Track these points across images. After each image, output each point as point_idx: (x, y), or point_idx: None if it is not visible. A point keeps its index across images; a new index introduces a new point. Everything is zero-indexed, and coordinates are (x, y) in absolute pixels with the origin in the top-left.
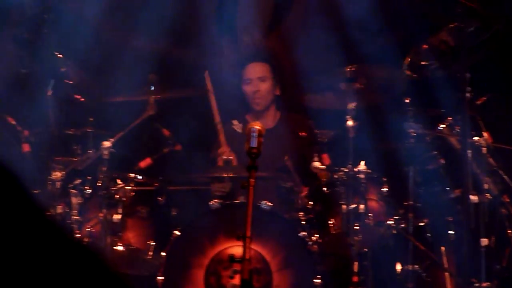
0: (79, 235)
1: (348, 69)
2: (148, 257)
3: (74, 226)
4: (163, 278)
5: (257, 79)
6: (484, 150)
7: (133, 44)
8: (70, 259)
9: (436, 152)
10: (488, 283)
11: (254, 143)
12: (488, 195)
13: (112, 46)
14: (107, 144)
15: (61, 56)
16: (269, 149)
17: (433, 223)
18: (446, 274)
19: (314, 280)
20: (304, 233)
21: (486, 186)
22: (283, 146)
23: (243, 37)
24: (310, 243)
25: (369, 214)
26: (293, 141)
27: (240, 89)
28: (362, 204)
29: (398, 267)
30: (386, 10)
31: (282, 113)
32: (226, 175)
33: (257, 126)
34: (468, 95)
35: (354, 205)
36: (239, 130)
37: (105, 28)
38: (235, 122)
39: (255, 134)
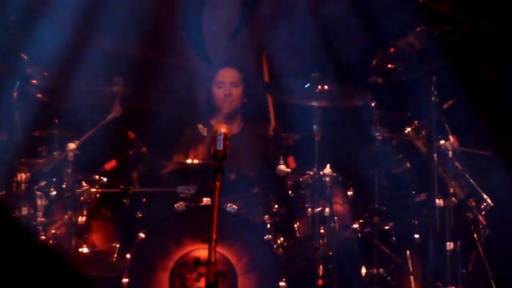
0: (44, 237)
1: (315, 74)
2: (113, 259)
3: (39, 228)
4: (127, 280)
5: (230, 84)
6: (450, 153)
7: (99, 45)
8: (34, 261)
9: (402, 156)
10: (454, 287)
11: (220, 145)
12: (454, 199)
13: (78, 47)
14: (72, 146)
15: (26, 57)
16: (234, 154)
17: (399, 226)
18: (411, 278)
19: (279, 284)
20: (269, 236)
21: (451, 190)
22: (248, 151)
23: (210, 40)
24: (275, 246)
25: (335, 218)
26: (258, 145)
27: (208, 93)
28: (327, 207)
29: (363, 270)
30: (353, 13)
31: (246, 121)
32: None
33: (222, 129)
34: (434, 98)
35: (319, 209)
36: (204, 134)
37: (72, 28)
38: (200, 126)
39: (220, 137)
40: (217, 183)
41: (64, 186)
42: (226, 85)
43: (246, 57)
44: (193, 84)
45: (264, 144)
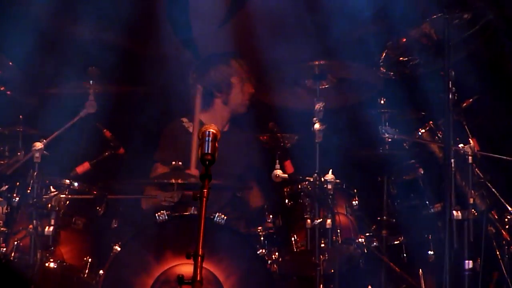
0: (5, 249)
1: (316, 63)
2: (84, 275)
3: (0, 238)
4: None
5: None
6: (470, 159)
7: (73, 33)
8: None
9: (414, 161)
10: None
11: (208, 148)
12: (473, 210)
13: (47, 34)
14: (39, 145)
15: None
16: (223, 154)
17: (410, 241)
18: None
19: None
20: (263, 250)
21: (471, 201)
22: (239, 150)
23: (197, 28)
24: (269, 262)
25: (337, 230)
26: (251, 146)
27: (211, 83)
28: (329, 218)
29: None
30: None
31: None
32: (174, 182)
33: (212, 129)
34: (452, 96)
35: (320, 220)
36: (190, 129)
37: (40, 13)
38: (184, 120)
39: (209, 138)
40: (205, 190)
41: (29, 191)
42: (251, 81)
43: (239, 47)
44: (175, 75)
45: (260, 145)
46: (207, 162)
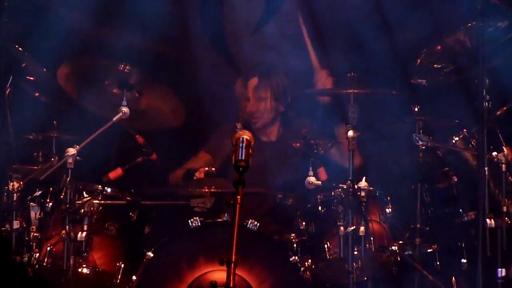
0: (38, 254)
1: (349, 75)
2: (117, 281)
3: (33, 244)
4: None
5: (256, 99)
6: (504, 167)
7: (108, 38)
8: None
9: (448, 169)
10: None
11: (242, 154)
12: (507, 219)
13: (81, 39)
14: (72, 151)
15: (21, 49)
16: (269, 163)
17: (443, 249)
18: None
19: None
20: (295, 257)
21: (504, 209)
22: (283, 160)
23: (231, 35)
24: (302, 269)
25: (370, 238)
26: (290, 154)
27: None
28: (363, 226)
29: None
30: (397, 6)
31: (287, 126)
32: (207, 190)
33: (245, 135)
34: (486, 104)
35: (353, 227)
36: None
37: (74, 18)
38: (239, 125)
39: (243, 145)
40: (238, 197)
41: (62, 196)
42: (251, 101)
43: (272, 53)
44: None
45: (294, 153)
46: (241, 169)
